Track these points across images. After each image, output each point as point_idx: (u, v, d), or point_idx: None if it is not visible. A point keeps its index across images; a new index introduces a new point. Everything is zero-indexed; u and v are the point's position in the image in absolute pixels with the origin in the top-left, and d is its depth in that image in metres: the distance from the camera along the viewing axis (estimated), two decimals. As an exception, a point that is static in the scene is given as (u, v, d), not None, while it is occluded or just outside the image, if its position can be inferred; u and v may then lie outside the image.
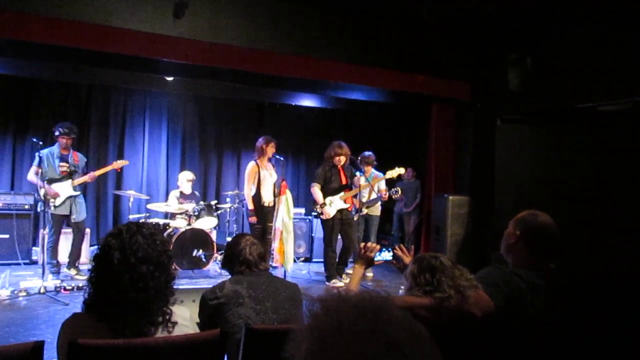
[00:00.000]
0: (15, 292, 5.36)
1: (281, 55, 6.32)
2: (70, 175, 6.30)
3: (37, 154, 6.20)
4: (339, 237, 6.80)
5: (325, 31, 6.57)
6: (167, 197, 7.84)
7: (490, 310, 2.06)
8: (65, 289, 5.56)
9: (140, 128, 8.82)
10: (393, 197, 7.24)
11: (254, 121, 9.40)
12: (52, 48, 5.41)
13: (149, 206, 7.35)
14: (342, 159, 6.66)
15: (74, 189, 6.31)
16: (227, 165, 9.52)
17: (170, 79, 7.28)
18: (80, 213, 6.38)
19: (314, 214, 7.00)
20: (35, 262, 6.85)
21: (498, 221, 6.06)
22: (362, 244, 2.70)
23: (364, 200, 7.13)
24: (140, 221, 2.05)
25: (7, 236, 6.92)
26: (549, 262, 2.36)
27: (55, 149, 6.32)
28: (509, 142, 6.79)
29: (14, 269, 6.52)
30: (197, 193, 7.77)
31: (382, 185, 7.41)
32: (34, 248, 7.12)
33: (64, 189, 6.23)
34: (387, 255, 2.84)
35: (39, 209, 6.17)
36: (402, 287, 2.72)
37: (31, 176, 6.24)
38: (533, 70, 6.40)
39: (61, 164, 6.26)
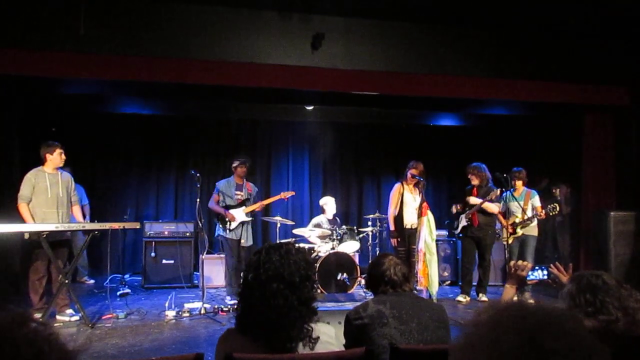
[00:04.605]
0: (180, 312, 5.84)
1: (417, 76, 6.30)
2: (243, 202, 6.79)
3: (217, 184, 6.89)
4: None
5: (460, 47, 6.43)
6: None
7: (669, 335, 1.80)
8: (222, 311, 5.95)
9: (284, 157, 9.34)
10: (550, 214, 6.57)
11: (392, 144, 9.43)
12: (206, 88, 5.98)
13: (295, 231, 7.64)
14: (472, 177, 6.86)
15: (246, 215, 6.76)
16: (367, 189, 9.63)
17: (310, 108, 7.59)
18: (248, 239, 6.83)
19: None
20: (197, 286, 7.42)
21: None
22: (512, 262, 2.51)
23: (517, 220, 6.73)
24: (288, 240, 2.14)
25: (172, 262, 7.61)
26: None
27: (231, 179, 6.89)
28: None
29: (178, 292, 7.12)
30: (337, 218, 7.92)
31: (537, 202, 6.80)
32: (195, 273, 7.75)
33: (238, 215, 6.69)
34: (541, 274, 2.62)
35: (216, 234, 6.82)
36: (560, 309, 2.48)
37: (212, 204, 6.84)
38: None
39: (236, 192, 6.79)
